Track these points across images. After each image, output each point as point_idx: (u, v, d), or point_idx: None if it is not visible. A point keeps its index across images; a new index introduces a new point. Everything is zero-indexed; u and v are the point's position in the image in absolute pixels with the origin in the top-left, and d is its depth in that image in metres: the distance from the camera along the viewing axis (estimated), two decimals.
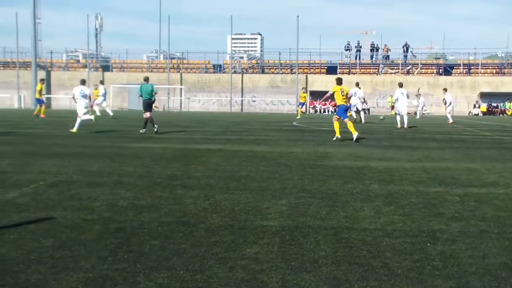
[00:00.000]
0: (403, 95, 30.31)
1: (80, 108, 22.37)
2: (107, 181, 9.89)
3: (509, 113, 61.82)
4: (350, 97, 20.75)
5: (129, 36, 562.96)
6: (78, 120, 22.16)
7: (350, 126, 19.27)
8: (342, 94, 19.17)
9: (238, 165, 12.29)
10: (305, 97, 45.18)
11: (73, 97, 22.63)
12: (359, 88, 34.90)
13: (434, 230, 6.52)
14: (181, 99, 67.76)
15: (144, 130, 21.94)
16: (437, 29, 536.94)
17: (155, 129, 21.81)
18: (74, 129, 21.94)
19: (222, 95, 67.06)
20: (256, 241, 5.95)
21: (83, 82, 23.71)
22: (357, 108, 34.87)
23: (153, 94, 22.51)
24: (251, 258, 5.32)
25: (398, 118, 30.51)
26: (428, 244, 5.92)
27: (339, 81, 19.64)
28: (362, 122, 34.09)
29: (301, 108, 44.73)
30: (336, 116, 19.50)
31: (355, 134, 18.87)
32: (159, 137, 20.33)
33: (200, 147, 16.11)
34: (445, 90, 40.31)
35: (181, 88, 67.65)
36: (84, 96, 22.60)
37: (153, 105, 23.92)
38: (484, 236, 6.29)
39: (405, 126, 29.60)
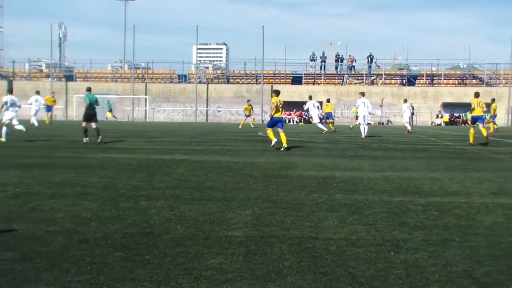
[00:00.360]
0: (364, 104, 30.90)
1: (8, 116, 22.69)
2: (70, 192, 9.77)
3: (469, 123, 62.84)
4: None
5: (94, 46, 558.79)
6: (4, 129, 22.29)
7: (270, 133, 20.33)
8: (279, 105, 19.97)
9: (203, 175, 12.25)
10: (250, 109, 46.34)
11: (3, 106, 22.87)
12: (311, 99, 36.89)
13: (397, 239, 6.58)
14: (145, 109, 67.41)
15: (87, 139, 21.96)
16: (401, 41, 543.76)
17: (99, 140, 21.81)
18: (3, 139, 21.84)
19: (187, 105, 66.89)
20: (221, 251, 5.93)
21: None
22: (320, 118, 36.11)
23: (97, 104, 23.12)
24: (216, 269, 5.30)
25: (361, 128, 30.73)
26: (392, 253, 5.97)
27: (277, 93, 20.29)
28: (323, 132, 34.36)
29: (246, 119, 45.68)
30: (268, 127, 20.56)
31: (274, 141, 20.01)
32: (124, 147, 20.18)
33: (165, 158, 16.03)
34: (405, 101, 41.74)
35: (145, 98, 67.30)
36: (13, 105, 22.60)
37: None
38: (446, 244, 6.37)
39: (363, 136, 30.14)
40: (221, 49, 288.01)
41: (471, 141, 25.06)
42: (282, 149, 19.34)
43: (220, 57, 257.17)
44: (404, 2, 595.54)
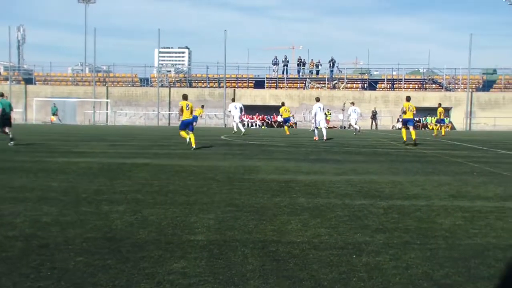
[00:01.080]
0: (320, 109, 31.87)
1: None
2: (30, 196, 9.62)
3: (430, 127, 63.74)
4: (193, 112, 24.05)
5: (54, 49, 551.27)
6: None
7: (182, 134, 23.28)
8: (187, 108, 22.20)
9: (165, 179, 12.19)
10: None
11: None
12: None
13: (359, 242, 6.64)
14: (107, 113, 66.80)
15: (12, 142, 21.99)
16: (362, 45, 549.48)
17: (12, 143, 21.90)
18: None
19: (149, 109, 66.52)
20: (184, 255, 5.91)
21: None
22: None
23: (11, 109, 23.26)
24: (178, 273, 5.28)
25: (316, 131, 32.08)
26: (354, 256, 6.02)
27: (184, 97, 22.86)
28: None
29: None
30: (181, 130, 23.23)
31: (187, 138, 22.94)
32: (85, 151, 19.95)
33: (127, 162, 15.90)
34: (352, 103, 45.50)
35: (107, 102, 66.71)
36: None
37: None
38: (407, 247, 6.45)
39: (324, 138, 31.07)
40: (183, 52, 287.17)
41: (404, 138, 28.02)
42: (192, 149, 21.24)
43: (182, 60, 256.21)
44: (366, 7, 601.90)
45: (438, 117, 42.99)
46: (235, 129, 39.86)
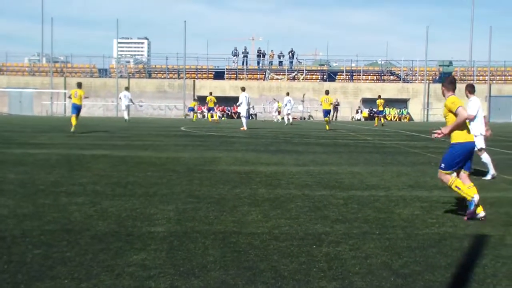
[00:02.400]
0: (246, 98, 34.81)
1: None
2: None
3: (389, 118, 64.50)
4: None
5: (9, 38, 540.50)
6: None
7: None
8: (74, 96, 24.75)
9: (124, 171, 12.09)
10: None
11: None
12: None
13: (319, 233, 6.69)
14: (65, 104, 65.81)
15: None
16: (322, 37, 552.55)
17: None
18: None
19: (108, 100, 65.71)
20: (144, 247, 5.88)
21: None
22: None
23: None
24: (138, 265, 5.25)
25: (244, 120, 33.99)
26: (314, 246, 6.06)
27: (79, 85, 25.71)
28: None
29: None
30: None
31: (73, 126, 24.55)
32: (43, 143, 19.64)
33: (86, 153, 15.72)
34: (287, 94, 46.71)
35: (64, 93, 65.70)
36: None
37: None
38: (366, 237, 6.52)
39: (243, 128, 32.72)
40: (142, 43, 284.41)
41: (327, 128, 34.12)
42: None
43: (142, 51, 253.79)
44: None
45: (379, 108, 46.32)
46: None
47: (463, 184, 7.83)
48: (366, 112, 65.51)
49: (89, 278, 4.85)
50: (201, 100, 63.32)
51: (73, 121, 25.55)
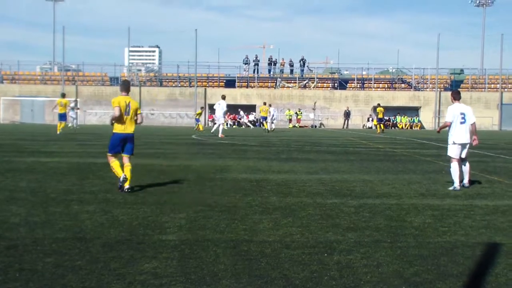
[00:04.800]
0: (219, 105, 34.76)
1: None
2: None
3: (400, 126, 64.33)
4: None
5: (22, 47, 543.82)
6: None
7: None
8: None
9: (136, 179, 12.09)
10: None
11: None
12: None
13: (330, 241, 6.67)
14: (77, 112, 66.05)
15: None
16: (333, 45, 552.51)
17: None
18: None
19: None
20: (155, 255, 5.88)
21: None
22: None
23: None
24: (150, 273, 5.25)
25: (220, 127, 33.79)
26: (325, 254, 6.05)
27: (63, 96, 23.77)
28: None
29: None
30: None
31: None
32: (53, 151, 19.72)
33: (97, 161, 15.76)
34: (269, 105, 47.77)
35: (76, 101, 65.95)
36: None
37: None
38: (378, 245, 6.50)
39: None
40: (153, 51, 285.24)
41: (267, 128, 41.74)
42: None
43: (153, 59, 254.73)
44: (336, 7, 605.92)
45: (379, 116, 47.80)
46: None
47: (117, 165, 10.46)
48: (377, 120, 65.34)
49: (100, 287, 4.86)
50: (212, 108, 63.50)
51: (60, 126, 31.74)
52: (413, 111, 65.61)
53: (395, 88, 70.02)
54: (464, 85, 71.07)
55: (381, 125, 47.90)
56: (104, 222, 7.55)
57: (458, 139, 11.57)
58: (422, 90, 68.94)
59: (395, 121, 65.38)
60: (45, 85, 69.30)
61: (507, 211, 9.00)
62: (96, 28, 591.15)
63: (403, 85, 71.32)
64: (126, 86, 11.05)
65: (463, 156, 11.73)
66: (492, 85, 68.85)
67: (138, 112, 10.83)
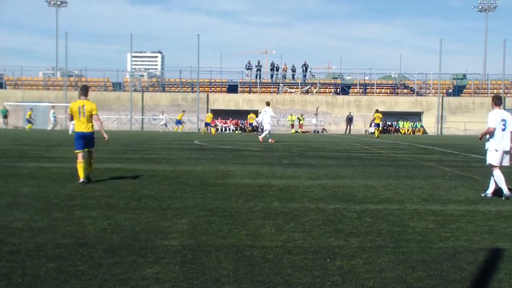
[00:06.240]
0: (266, 112, 34.49)
1: None
2: (0, 202, 9.49)
3: (403, 131, 64.30)
4: None
5: (24, 53, 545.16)
6: None
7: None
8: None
9: (138, 184, 12.12)
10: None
11: None
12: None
13: (333, 246, 6.66)
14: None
15: None
16: (335, 50, 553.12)
17: None
18: None
19: (122, 113, 66.03)
20: (157, 260, 5.88)
21: None
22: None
23: None
24: (152, 278, 5.25)
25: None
26: (328, 260, 6.04)
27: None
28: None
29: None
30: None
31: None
32: (56, 156, 19.74)
33: (99, 166, 15.76)
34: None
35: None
36: None
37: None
38: (380, 251, 6.49)
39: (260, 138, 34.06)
40: (156, 57, 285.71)
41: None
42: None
43: (155, 65, 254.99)
44: (338, 12, 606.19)
45: (375, 121, 49.77)
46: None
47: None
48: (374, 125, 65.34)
49: None
50: (214, 113, 63.62)
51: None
52: (416, 116, 65.60)
53: (397, 93, 70.06)
54: (466, 90, 71.14)
55: (378, 129, 50.12)
56: (106, 227, 7.56)
57: (500, 146, 11.11)
58: (424, 95, 68.97)
59: (397, 126, 65.34)
60: (48, 90, 69.47)
61: (509, 217, 8.99)
62: (99, 34, 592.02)
63: (405, 90, 71.37)
64: (83, 91, 12.84)
65: (505, 163, 11.23)
66: (495, 90, 68.79)
67: (94, 113, 12.48)
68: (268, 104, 36.00)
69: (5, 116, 60.43)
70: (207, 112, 58.96)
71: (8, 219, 8.01)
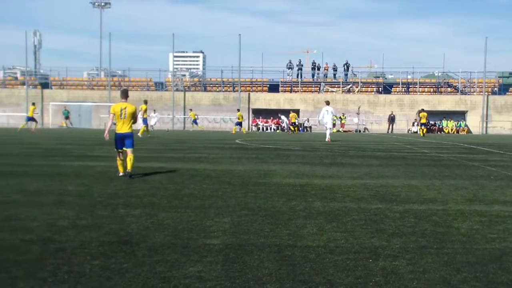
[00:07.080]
0: (328, 112, 35.15)
1: None
2: (46, 200, 9.67)
3: (446, 131, 63.42)
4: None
5: (69, 53, 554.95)
6: None
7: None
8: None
9: (180, 183, 12.20)
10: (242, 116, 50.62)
11: None
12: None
13: (375, 246, 6.60)
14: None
15: None
16: (377, 49, 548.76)
17: None
18: None
19: (164, 112, 66.59)
20: (200, 259, 5.91)
21: None
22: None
23: None
24: (194, 277, 5.28)
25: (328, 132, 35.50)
26: (370, 260, 5.99)
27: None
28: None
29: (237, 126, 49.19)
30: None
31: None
32: (100, 155, 20.03)
33: (142, 165, 15.92)
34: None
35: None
36: None
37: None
38: (424, 252, 6.41)
39: (327, 139, 34.37)
40: (197, 57, 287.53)
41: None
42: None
43: (197, 65, 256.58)
44: (380, 11, 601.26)
45: (422, 121, 49.57)
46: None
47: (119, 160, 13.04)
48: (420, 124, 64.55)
49: None
50: (256, 112, 63.63)
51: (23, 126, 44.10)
52: (460, 115, 64.62)
53: (441, 92, 69.07)
54: None
55: (424, 129, 50.43)
56: (149, 226, 7.63)
57: None
58: (469, 94, 67.83)
59: (441, 126, 64.46)
60: (92, 90, 70.52)
61: None
62: (142, 34, 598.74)
63: (449, 89, 70.31)
64: (124, 94, 13.89)
65: None
66: None
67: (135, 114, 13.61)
68: (328, 103, 35.97)
69: (67, 117, 61.78)
70: (244, 112, 59.19)
71: (54, 217, 8.15)
